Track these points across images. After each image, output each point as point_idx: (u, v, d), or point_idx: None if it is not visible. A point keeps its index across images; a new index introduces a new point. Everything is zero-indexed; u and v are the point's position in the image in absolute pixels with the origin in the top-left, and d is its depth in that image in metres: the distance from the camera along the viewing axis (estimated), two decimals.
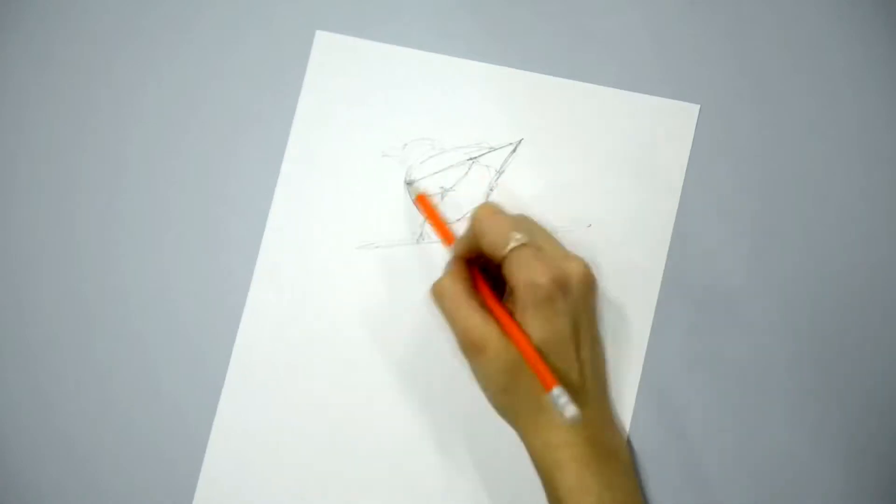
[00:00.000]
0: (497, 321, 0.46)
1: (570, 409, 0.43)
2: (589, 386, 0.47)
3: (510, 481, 0.51)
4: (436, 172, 0.54)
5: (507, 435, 0.51)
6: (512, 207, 0.52)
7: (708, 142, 0.53)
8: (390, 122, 0.54)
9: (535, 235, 0.47)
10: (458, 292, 0.47)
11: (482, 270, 0.49)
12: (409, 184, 0.54)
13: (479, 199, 0.53)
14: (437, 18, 0.55)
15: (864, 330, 0.52)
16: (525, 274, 0.45)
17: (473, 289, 0.48)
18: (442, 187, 0.54)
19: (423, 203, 0.53)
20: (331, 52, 0.55)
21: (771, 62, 0.54)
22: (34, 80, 0.56)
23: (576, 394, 0.45)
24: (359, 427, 0.52)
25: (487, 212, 0.48)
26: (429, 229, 0.53)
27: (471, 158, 0.54)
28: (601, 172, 0.54)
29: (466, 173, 0.54)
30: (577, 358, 0.46)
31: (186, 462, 0.52)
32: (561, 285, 0.45)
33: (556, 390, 0.43)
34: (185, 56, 0.55)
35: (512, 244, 0.46)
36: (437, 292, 0.48)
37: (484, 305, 0.47)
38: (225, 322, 0.53)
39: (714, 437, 0.52)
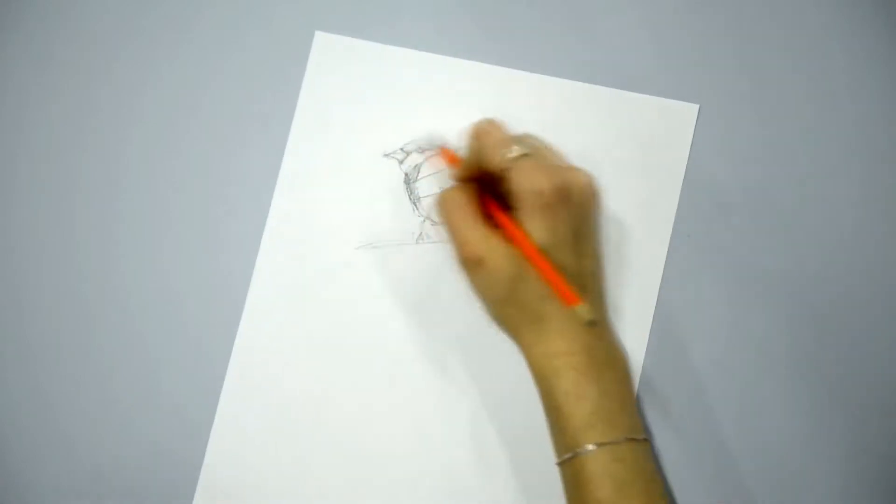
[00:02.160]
0: (504, 232, 0.46)
1: (588, 315, 0.45)
2: (589, 292, 0.47)
3: (510, 481, 0.52)
4: (435, 172, 0.54)
5: (506, 436, 0.52)
6: None
7: (707, 142, 0.53)
8: (389, 122, 0.54)
9: (535, 147, 0.48)
10: (462, 204, 0.47)
11: (489, 193, 0.48)
12: (407, 183, 0.54)
13: None
14: (436, 19, 0.55)
15: (864, 329, 0.52)
16: (527, 182, 0.45)
17: (478, 205, 0.47)
18: (441, 187, 0.54)
19: (445, 152, 0.52)
20: (330, 53, 0.55)
21: (770, 62, 0.54)
22: (34, 80, 0.56)
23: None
24: (358, 427, 0.52)
25: (486, 125, 0.48)
26: (428, 229, 0.53)
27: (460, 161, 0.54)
28: (600, 172, 0.53)
29: None
30: (578, 264, 0.46)
31: (186, 462, 0.52)
32: (563, 193, 0.45)
33: (584, 306, 0.45)
34: (185, 57, 0.56)
35: (512, 154, 0.46)
36: (441, 202, 0.48)
37: (487, 221, 0.47)
38: (225, 322, 0.53)
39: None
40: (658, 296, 0.52)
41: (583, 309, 0.45)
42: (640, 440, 0.46)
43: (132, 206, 0.55)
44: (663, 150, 0.53)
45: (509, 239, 0.46)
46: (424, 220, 0.54)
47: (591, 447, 0.44)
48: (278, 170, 0.54)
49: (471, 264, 0.46)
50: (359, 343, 0.53)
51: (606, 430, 0.45)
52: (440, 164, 0.54)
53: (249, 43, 0.55)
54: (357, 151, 0.54)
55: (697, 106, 0.54)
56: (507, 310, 0.47)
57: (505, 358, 0.52)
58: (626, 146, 0.54)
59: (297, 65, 0.55)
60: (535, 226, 0.45)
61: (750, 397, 0.52)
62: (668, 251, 0.53)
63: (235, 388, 0.53)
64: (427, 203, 0.54)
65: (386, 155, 0.54)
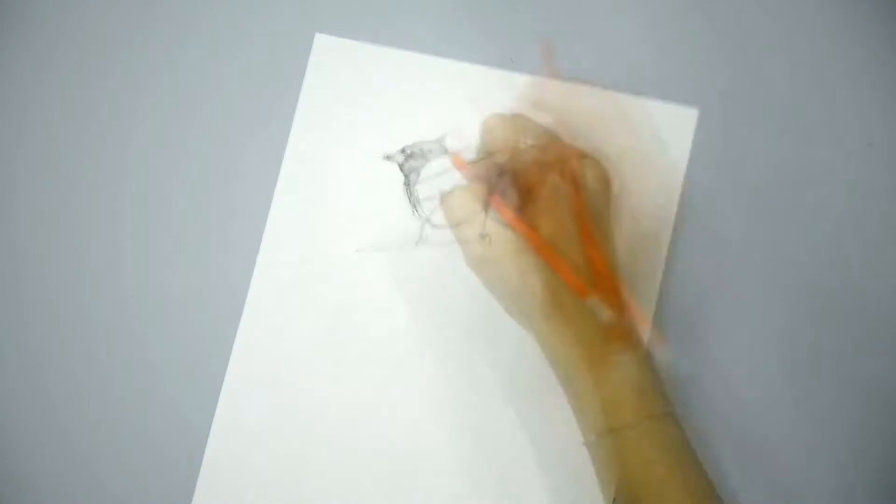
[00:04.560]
0: (512, 228, 0.46)
1: (605, 315, 0.44)
2: (603, 280, 0.47)
3: (510, 481, 0.52)
4: (434, 175, 0.54)
5: (506, 435, 0.52)
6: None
7: (707, 145, 0.53)
8: (389, 124, 0.54)
9: (546, 136, 0.47)
10: (468, 203, 0.47)
11: (498, 191, 0.48)
12: (407, 186, 0.54)
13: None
14: (436, 21, 0.55)
15: (864, 331, 0.52)
16: (538, 175, 0.46)
17: (486, 203, 0.47)
18: (441, 190, 0.54)
19: (460, 162, 0.51)
20: (330, 55, 0.55)
21: (770, 66, 0.54)
22: (33, 82, 0.55)
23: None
24: (357, 428, 0.53)
25: (497, 118, 0.48)
26: (428, 231, 0.53)
27: (469, 161, 0.54)
28: None
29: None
30: (589, 255, 0.46)
31: (186, 463, 0.52)
32: (574, 182, 0.46)
33: (594, 299, 0.44)
34: (186, 59, 0.55)
35: (522, 145, 0.46)
36: (447, 203, 0.48)
37: (495, 217, 0.47)
38: (224, 324, 0.53)
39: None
40: (658, 300, 0.53)
41: (594, 302, 0.45)
42: (665, 414, 0.46)
43: (133, 206, 0.55)
44: (662, 153, 0.54)
45: (518, 233, 0.46)
46: (424, 223, 0.54)
47: (617, 426, 0.45)
48: (278, 172, 0.54)
49: (480, 263, 0.47)
50: (358, 345, 0.53)
51: (630, 411, 0.45)
52: (441, 166, 0.54)
53: (250, 45, 0.55)
54: (357, 154, 0.54)
55: (697, 110, 0.54)
56: (519, 303, 0.47)
57: (505, 359, 0.52)
58: (624, 150, 0.53)
59: (298, 67, 0.55)
60: (546, 218, 0.45)
61: (750, 398, 0.52)
62: (668, 254, 0.53)
63: (235, 388, 0.53)
64: (427, 205, 0.54)
65: (386, 157, 0.54)
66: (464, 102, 0.54)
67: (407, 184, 0.54)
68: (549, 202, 0.45)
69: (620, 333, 0.46)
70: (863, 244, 0.53)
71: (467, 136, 0.54)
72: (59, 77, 0.55)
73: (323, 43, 0.55)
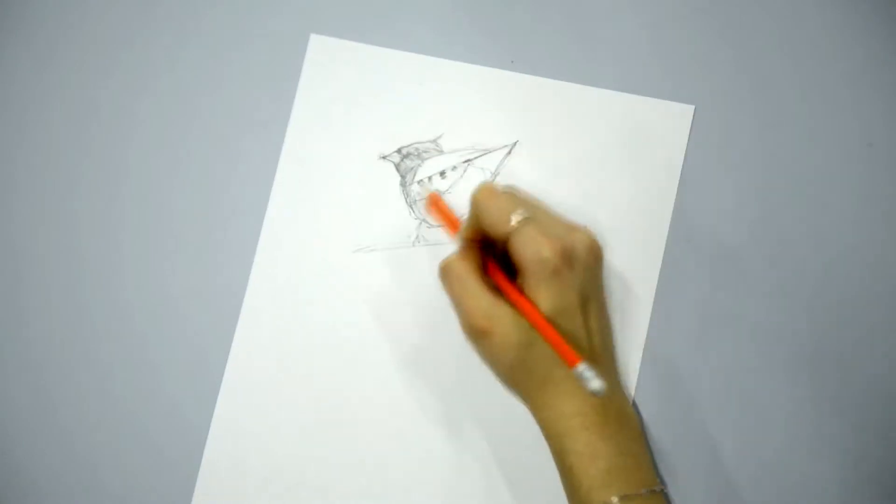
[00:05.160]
0: (508, 300, 0.46)
1: (596, 383, 0.43)
2: (598, 355, 0.47)
3: (509, 481, 0.52)
4: (431, 175, 0.54)
5: (505, 436, 0.52)
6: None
7: (703, 142, 0.53)
8: (386, 125, 0.54)
9: (538, 210, 0.47)
10: (465, 272, 0.47)
11: (491, 255, 0.48)
12: (403, 186, 0.54)
13: None
14: (432, 22, 0.55)
15: (865, 332, 0.52)
16: (531, 249, 0.45)
17: (481, 271, 0.47)
18: (438, 190, 0.54)
19: (435, 202, 0.52)
20: (326, 56, 0.55)
21: (766, 62, 0.54)
22: (31, 83, 0.56)
23: (590, 364, 0.45)
24: (355, 429, 0.53)
25: (487, 192, 0.47)
26: (425, 232, 0.53)
27: (466, 161, 0.54)
28: (596, 174, 0.54)
29: (462, 176, 0.54)
30: (586, 327, 0.46)
31: (185, 463, 0.53)
32: (567, 257, 0.45)
33: (581, 366, 0.43)
34: (182, 60, 0.55)
35: (514, 221, 0.46)
36: (444, 271, 0.48)
37: (492, 288, 0.47)
38: (222, 324, 0.53)
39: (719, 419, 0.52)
40: (654, 297, 0.53)
41: (586, 371, 0.43)
42: (658, 492, 0.46)
43: (129, 208, 0.55)
44: (659, 151, 0.53)
45: (514, 306, 0.46)
46: (421, 223, 0.54)
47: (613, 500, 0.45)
48: (274, 173, 0.54)
49: (477, 334, 0.46)
50: (355, 345, 0.53)
51: (623, 487, 0.45)
52: (436, 167, 0.54)
53: (245, 46, 0.55)
54: (353, 154, 0.54)
55: (693, 107, 0.53)
56: (516, 375, 0.47)
57: None
58: (621, 147, 0.53)
59: (293, 67, 0.55)
60: (542, 294, 0.45)
61: (749, 399, 0.52)
62: (664, 252, 0.53)
63: (233, 389, 0.53)
64: (423, 205, 0.54)
65: (382, 157, 0.54)
66: (460, 103, 0.54)
67: (403, 184, 0.54)
68: (543, 277, 0.45)
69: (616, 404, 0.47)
70: (863, 244, 0.53)
71: (462, 135, 0.54)
72: (56, 78, 0.56)
73: (319, 43, 0.55)
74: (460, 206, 0.53)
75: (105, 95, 0.55)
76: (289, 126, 0.54)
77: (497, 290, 0.47)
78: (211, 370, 0.53)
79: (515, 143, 0.54)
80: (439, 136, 0.54)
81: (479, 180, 0.54)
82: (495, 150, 0.54)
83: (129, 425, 0.53)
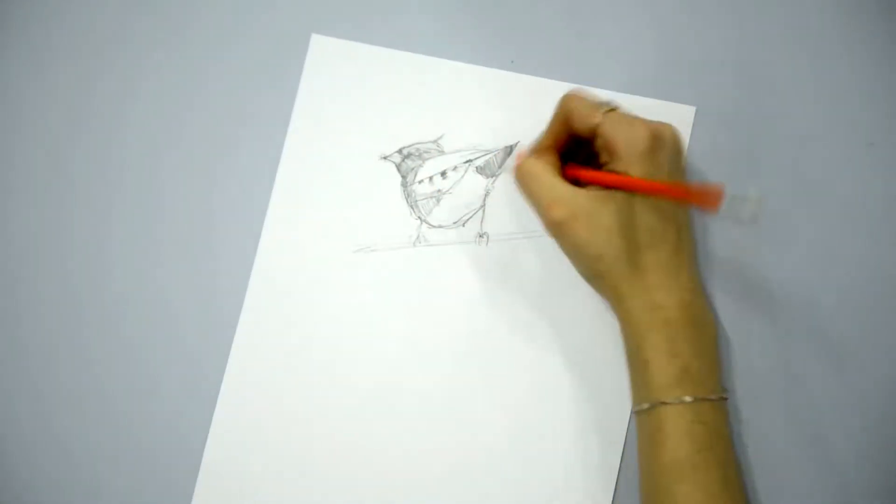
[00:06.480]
0: (601, 185, 0.47)
1: (750, 206, 0.44)
2: (685, 247, 0.48)
3: (507, 481, 0.52)
4: (433, 175, 0.54)
5: (504, 438, 0.52)
6: (508, 208, 0.53)
7: (704, 144, 0.53)
8: (386, 125, 0.54)
9: (621, 106, 0.48)
10: (542, 170, 0.48)
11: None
12: (404, 186, 0.54)
13: (475, 203, 0.54)
14: (433, 22, 0.55)
15: (865, 333, 0.52)
16: (624, 130, 0.47)
17: (558, 170, 0.48)
18: (439, 190, 0.54)
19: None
20: (326, 56, 0.55)
21: (766, 63, 0.54)
22: (29, 83, 0.56)
23: (676, 254, 0.47)
24: (355, 430, 0.52)
25: (575, 93, 0.49)
26: (425, 232, 0.53)
27: (468, 161, 0.54)
28: None
29: (463, 176, 0.54)
30: (675, 215, 0.48)
31: (185, 464, 0.52)
32: (658, 138, 0.47)
33: (730, 193, 0.44)
34: (182, 60, 0.56)
35: (604, 109, 0.47)
36: (521, 171, 0.49)
37: (571, 183, 0.48)
38: (222, 325, 0.53)
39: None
40: None
41: (736, 197, 0.44)
42: (722, 399, 0.47)
43: (128, 210, 0.55)
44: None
45: (613, 185, 0.46)
46: (422, 223, 0.54)
47: (675, 402, 0.45)
48: (275, 173, 0.54)
49: (562, 225, 0.47)
50: (356, 346, 0.53)
51: (695, 388, 0.46)
52: (436, 167, 0.54)
53: (246, 46, 0.55)
54: (354, 154, 0.54)
55: (694, 108, 0.53)
56: (603, 265, 0.47)
57: (502, 359, 0.52)
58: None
59: (294, 68, 0.55)
60: (636, 171, 0.46)
61: (749, 400, 0.52)
62: None
63: (233, 389, 0.53)
64: (424, 205, 0.54)
65: (383, 158, 0.54)
66: (461, 103, 0.54)
67: (404, 184, 0.54)
68: (637, 155, 0.46)
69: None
70: (863, 244, 0.52)
71: (463, 136, 0.54)
72: (55, 78, 0.56)
73: (319, 43, 0.55)
74: (459, 207, 0.54)
75: (102, 95, 0.55)
76: (290, 126, 0.55)
77: (577, 186, 0.48)
78: (211, 370, 0.53)
79: (516, 144, 0.54)
80: (440, 137, 0.54)
81: (479, 181, 0.54)
82: (496, 150, 0.54)
83: (130, 426, 0.53)
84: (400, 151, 0.54)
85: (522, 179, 0.49)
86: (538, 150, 0.50)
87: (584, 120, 0.47)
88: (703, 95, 0.54)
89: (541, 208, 0.48)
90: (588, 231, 0.47)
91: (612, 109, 0.47)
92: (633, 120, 0.47)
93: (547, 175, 0.48)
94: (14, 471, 0.53)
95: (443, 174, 0.54)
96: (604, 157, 0.48)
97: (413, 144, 0.54)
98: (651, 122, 0.47)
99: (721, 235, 0.53)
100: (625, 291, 0.47)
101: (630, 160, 0.46)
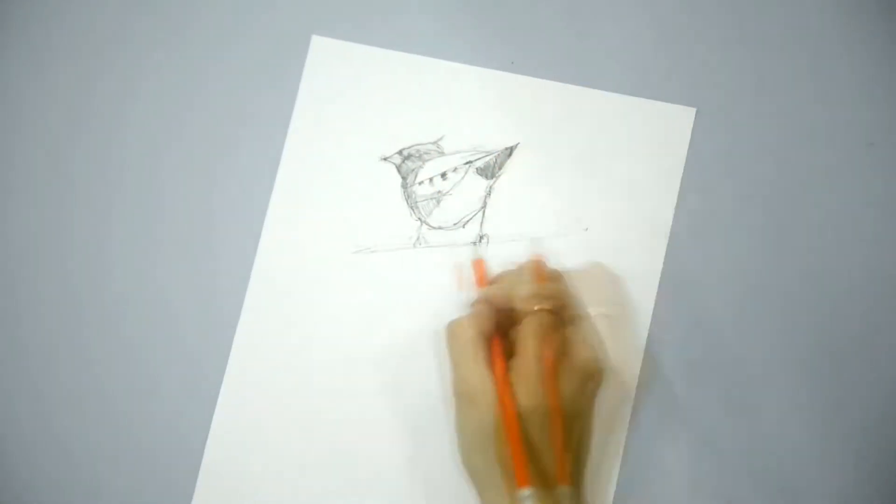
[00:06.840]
0: (497, 386, 0.45)
1: None
2: (560, 475, 0.45)
3: None
4: (432, 177, 0.54)
5: None
6: (508, 209, 0.53)
7: (705, 145, 0.53)
8: (387, 126, 0.54)
9: (566, 309, 0.47)
10: (471, 339, 0.47)
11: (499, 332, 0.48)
12: (404, 187, 0.54)
13: (475, 203, 0.54)
14: (434, 23, 0.55)
15: (866, 333, 0.52)
16: (534, 343, 0.45)
17: (486, 340, 0.47)
18: (439, 191, 0.54)
19: (479, 266, 0.52)
20: (327, 57, 0.55)
21: (766, 64, 0.54)
22: (29, 83, 0.56)
23: (543, 477, 0.44)
24: (355, 430, 0.53)
25: (536, 265, 0.48)
26: (425, 233, 0.54)
27: (467, 162, 0.54)
28: (597, 176, 0.54)
29: (463, 178, 0.54)
30: (556, 442, 0.45)
31: (185, 465, 0.53)
32: (565, 365, 0.46)
33: (526, 492, 0.43)
34: (182, 60, 0.56)
35: (538, 306, 0.46)
36: (451, 332, 0.48)
37: (489, 364, 0.46)
38: (222, 325, 0.53)
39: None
40: (656, 296, 0.52)
41: (525, 496, 0.43)
42: None
43: (128, 210, 0.55)
44: (660, 153, 0.53)
45: (497, 395, 0.45)
46: (422, 224, 0.54)
47: None
48: (275, 174, 0.54)
49: (463, 400, 0.46)
50: (356, 347, 0.53)
51: None
52: (436, 168, 0.54)
53: (246, 47, 0.55)
54: (354, 155, 0.54)
55: (694, 109, 0.54)
56: (478, 458, 0.46)
57: None
58: (622, 150, 0.54)
59: (294, 69, 0.55)
60: (526, 390, 0.45)
61: (749, 400, 0.52)
62: (665, 256, 0.53)
63: (233, 389, 0.53)
64: (424, 206, 0.54)
65: (383, 159, 0.54)
66: (461, 104, 0.54)
67: (404, 185, 0.54)
68: (533, 374, 0.45)
69: None
70: (863, 244, 0.52)
71: (463, 137, 0.54)
72: (55, 78, 0.56)
73: (319, 45, 0.55)
74: (459, 208, 0.54)
75: (102, 95, 0.55)
76: (290, 127, 0.55)
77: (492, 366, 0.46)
78: (211, 370, 0.53)
79: (517, 145, 0.54)
80: (440, 138, 0.54)
81: (479, 182, 0.54)
82: (496, 151, 0.54)
83: (130, 426, 0.53)
84: (400, 152, 0.54)
85: (449, 340, 0.48)
86: (480, 306, 0.48)
87: (518, 301, 0.47)
88: (703, 96, 0.54)
89: (454, 375, 0.47)
90: (476, 421, 0.45)
91: (545, 311, 0.46)
92: (551, 337, 0.46)
93: (471, 345, 0.46)
94: (14, 471, 0.53)
95: (443, 175, 0.54)
96: (515, 351, 0.47)
97: (413, 146, 0.54)
98: (572, 345, 0.46)
99: (721, 238, 0.53)
100: (487, 495, 0.46)
101: (524, 374, 0.45)
